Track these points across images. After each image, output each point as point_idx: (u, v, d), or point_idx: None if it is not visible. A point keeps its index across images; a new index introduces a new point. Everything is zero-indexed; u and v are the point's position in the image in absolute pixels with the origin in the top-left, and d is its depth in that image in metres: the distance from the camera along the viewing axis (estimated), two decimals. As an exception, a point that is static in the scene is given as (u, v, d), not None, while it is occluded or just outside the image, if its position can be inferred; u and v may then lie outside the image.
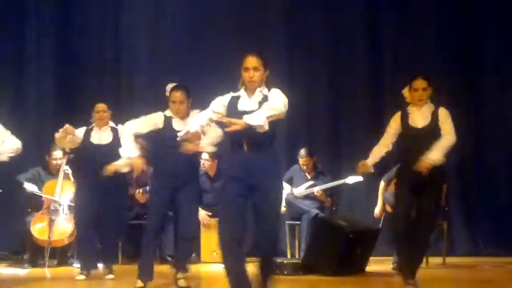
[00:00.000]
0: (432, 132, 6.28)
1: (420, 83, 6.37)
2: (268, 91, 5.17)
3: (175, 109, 6.56)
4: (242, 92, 5.22)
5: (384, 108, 9.50)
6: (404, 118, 6.43)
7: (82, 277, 7.58)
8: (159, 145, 6.66)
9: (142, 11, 10.72)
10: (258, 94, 5.18)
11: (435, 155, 6.16)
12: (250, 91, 5.20)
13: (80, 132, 7.70)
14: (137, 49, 10.69)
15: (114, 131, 7.72)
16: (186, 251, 6.80)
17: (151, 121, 6.62)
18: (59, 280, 8.00)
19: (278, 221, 5.40)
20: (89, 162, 7.65)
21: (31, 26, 10.64)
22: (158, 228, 6.68)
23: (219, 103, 5.25)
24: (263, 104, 5.05)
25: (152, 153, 7.29)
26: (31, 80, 10.56)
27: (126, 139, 6.65)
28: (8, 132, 6.94)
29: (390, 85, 9.86)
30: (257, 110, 5.01)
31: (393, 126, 6.51)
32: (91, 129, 7.74)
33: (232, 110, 5.16)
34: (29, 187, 9.08)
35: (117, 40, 10.73)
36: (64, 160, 9.12)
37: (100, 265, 7.94)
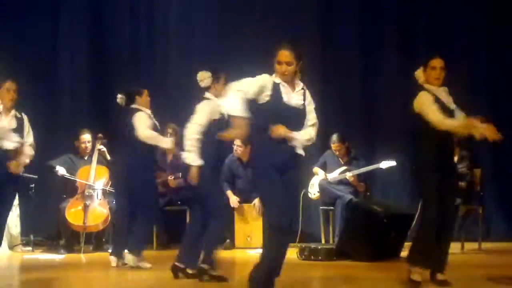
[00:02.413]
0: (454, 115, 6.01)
1: (438, 62, 5.99)
2: (302, 83, 5.26)
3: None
4: (280, 80, 5.20)
5: (415, 91, 9.42)
6: (437, 98, 5.95)
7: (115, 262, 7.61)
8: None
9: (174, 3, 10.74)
10: (299, 88, 5.24)
11: None
12: (290, 83, 5.21)
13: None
14: (170, 37, 10.69)
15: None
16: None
17: (208, 112, 6.41)
18: (95, 265, 8.05)
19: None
20: None
21: (65, 22, 10.68)
22: None
23: (260, 89, 5.14)
24: (304, 100, 5.21)
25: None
26: (65, 68, 10.61)
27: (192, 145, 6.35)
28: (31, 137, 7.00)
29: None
30: (301, 105, 5.17)
31: (436, 105, 5.88)
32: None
33: (277, 100, 5.14)
34: (61, 170, 9.14)
35: (151, 24, 10.75)
36: (97, 145, 9.17)
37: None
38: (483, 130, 5.52)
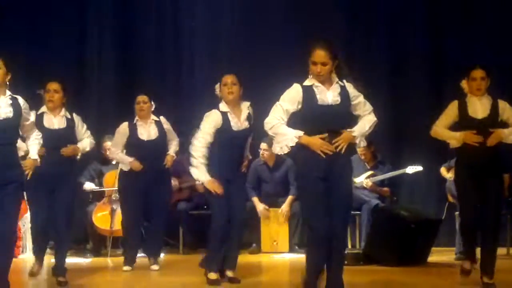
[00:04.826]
0: (492, 124, 6.10)
1: (478, 73, 6.15)
2: (341, 81, 5.28)
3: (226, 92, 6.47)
4: (313, 81, 5.22)
5: (444, 96, 9.37)
6: (463, 108, 6.17)
7: (129, 268, 7.68)
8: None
9: (201, 4, 10.73)
10: (336, 85, 5.24)
11: (509, 131, 6.01)
12: (325, 81, 5.23)
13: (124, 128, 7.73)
14: (196, 43, 10.70)
15: (158, 124, 7.76)
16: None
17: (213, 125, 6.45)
18: (121, 269, 8.07)
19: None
20: (137, 157, 7.64)
21: (93, 26, 10.72)
22: None
23: (293, 102, 5.19)
24: (345, 96, 5.23)
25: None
26: (93, 78, 10.62)
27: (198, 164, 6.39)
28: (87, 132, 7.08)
29: (451, 73, 9.74)
30: (339, 103, 5.19)
31: (450, 115, 6.27)
32: (135, 124, 7.71)
33: (312, 103, 5.17)
34: (88, 186, 9.18)
35: (177, 36, 10.76)
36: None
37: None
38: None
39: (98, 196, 9.27)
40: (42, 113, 6.78)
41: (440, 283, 6.97)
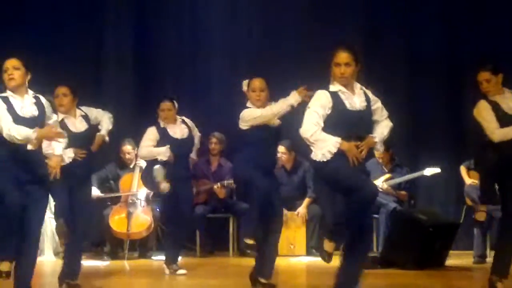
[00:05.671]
0: None
1: (481, 76, 5.95)
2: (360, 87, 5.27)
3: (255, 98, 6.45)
4: (338, 87, 5.19)
5: (461, 98, 9.36)
6: (495, 107, 5.88)
7: (176, 267, 7.59)
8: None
9: (217, 4, 10.72)
10: (360, 91, 5.24)
11: None
12: (348, 87, 5.20)
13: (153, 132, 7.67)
14: (214, 45, 10.69)
15: (185, 123, 7.73)
16: None
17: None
18: (139, 272, 8.10)
19: None
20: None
21: (110, 26, 10.75)
22: None
23: (324, 107, 5.14)
24: (368, 101, 5.23)
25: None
26: (110, 77, 10.65)
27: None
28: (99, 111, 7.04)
29: (468, 74, 9.70)
30: (366, 108, 5.19)
31: (492, 115, 5.86)
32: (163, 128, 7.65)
33: (341, 108, 5.13)
34: (95, 192, 8.95)
35: (194, 36, 10.75)
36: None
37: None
38: None
39: (115, 198, 9.28)
40: (62, 119, 6.76)
41: (459, 287, 6.93)
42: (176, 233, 7.70)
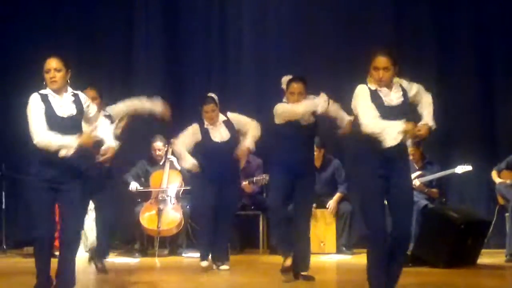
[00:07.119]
0: None
1: None
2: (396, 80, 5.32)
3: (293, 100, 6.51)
4: (375, 86, 5.26)
5: (494, 95, 9.27)
6: None
7: (206, 263, 7.59)
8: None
9: (248, 5, 10.71)
10: (396, 86, 5.30)
11: None
12: (387, 85, 5.27)
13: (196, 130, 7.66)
14: (243, 46, 10.68)
15: (228, 124, 7.67)
16: None
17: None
18: (169, 269, 8.11)
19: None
20: (211, 160, 7.56)
21: (140, 24, 10.79)
22: None
23: (370, 99, 5.21)
24: (404, 92, 5.30)
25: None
26: (139, 80, 10.65)
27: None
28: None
29: (501, 72, 9.65)
30: (403, 101, 5.25)
31: None
32: (206, 129, 7.62)
33: (379, 104, 5.19)
34: (134, 186, 9.21)
35: (223, 36, 10.75)
36: (169, 150, 9.21)
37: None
38: None
39: (145, 195, 9.31)
40: None
41: (491, 285, 6.87)
42: (205, 230, 7.73)
